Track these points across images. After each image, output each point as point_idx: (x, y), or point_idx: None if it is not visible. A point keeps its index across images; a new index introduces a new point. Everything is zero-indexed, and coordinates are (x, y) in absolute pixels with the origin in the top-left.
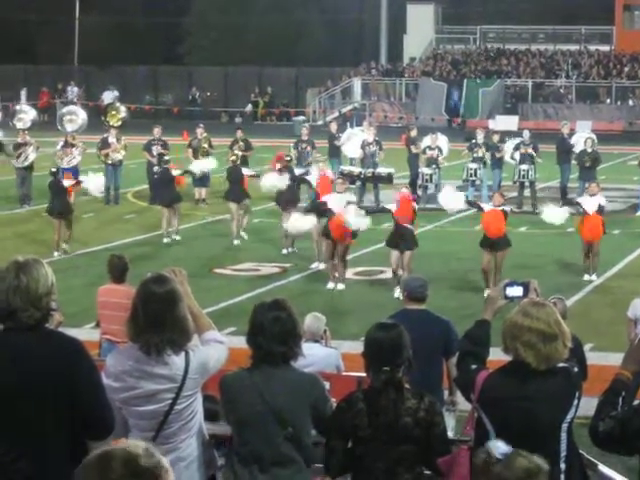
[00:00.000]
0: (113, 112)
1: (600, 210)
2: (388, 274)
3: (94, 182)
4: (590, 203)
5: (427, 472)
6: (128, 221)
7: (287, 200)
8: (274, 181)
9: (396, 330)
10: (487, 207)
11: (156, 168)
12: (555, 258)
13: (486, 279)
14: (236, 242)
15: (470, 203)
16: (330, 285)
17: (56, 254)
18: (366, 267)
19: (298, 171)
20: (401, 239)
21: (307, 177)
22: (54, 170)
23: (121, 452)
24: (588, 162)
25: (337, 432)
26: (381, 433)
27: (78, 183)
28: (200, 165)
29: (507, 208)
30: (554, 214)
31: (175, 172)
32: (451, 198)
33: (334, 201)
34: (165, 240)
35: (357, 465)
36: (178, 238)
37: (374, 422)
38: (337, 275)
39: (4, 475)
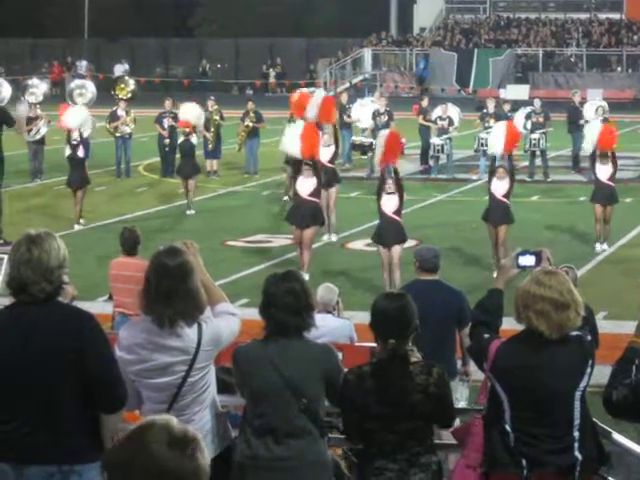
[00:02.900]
0: (122, 85)
1: (612, 178)
2: None
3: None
4: (601, 172)
5: (437, 442)
6: (140, 194)
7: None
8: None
9: (402, 300)
10: (492, 180)
11: (167, 141)
12: (567, 227)
13: (495, 253)
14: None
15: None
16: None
17: (76, 227)
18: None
19: None
20: (388, 233)
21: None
22: (75, 143)
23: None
24: None
25: (348, 407)
26: (391, 410)
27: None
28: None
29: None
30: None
31: (195, 140)
32: None
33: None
34: (188, 212)
35: (368, 438)
36: (192, 212)
37: (384, 400)
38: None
39: (17, 448)
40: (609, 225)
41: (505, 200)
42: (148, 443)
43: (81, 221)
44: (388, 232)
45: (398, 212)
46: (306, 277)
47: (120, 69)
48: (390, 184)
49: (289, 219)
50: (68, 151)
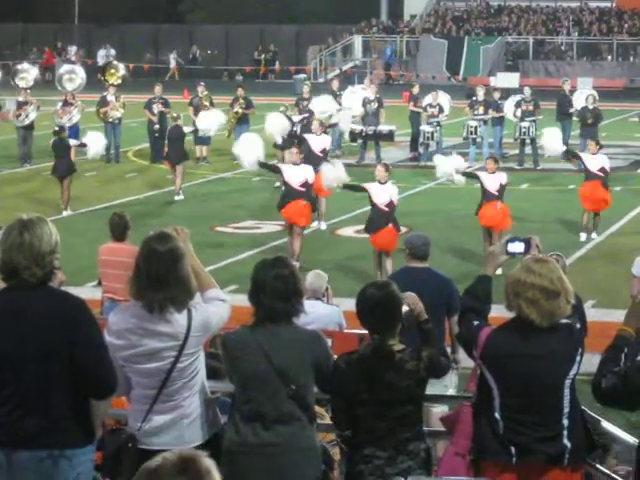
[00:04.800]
0: (112, 70)
1: (602, 170)
2: None
3: (96, 144)
4: (592, 162)
5: (426, 429)
6: (129, 179)
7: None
8: (280, 124)
9: (388, 288)
10: (483, 175)
11: (157, 127)
12: (556, 215)
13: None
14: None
15: (466, 174)
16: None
17: (65, 213)
18: None
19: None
20: (379, 224)
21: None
22: (57, 129)
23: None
24: (590, 119)
25: (338, 394)
26: (382, 396)
27: (82, 145)
28: (207, 121)
29: (504, 179)
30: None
31: (186, 129)
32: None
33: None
34: (177, 197)
35: (357, 424)
36: (181, 198)
37: (374, 386)
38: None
39: (9, 433)
40: (599, 216)
41: (498, 194)
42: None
43: (62, 207)
44: (379, 223)
45: (390, 204)
46: (296, 264)
47: (103, 54)
48: (382, 172)
49: (281, 209)
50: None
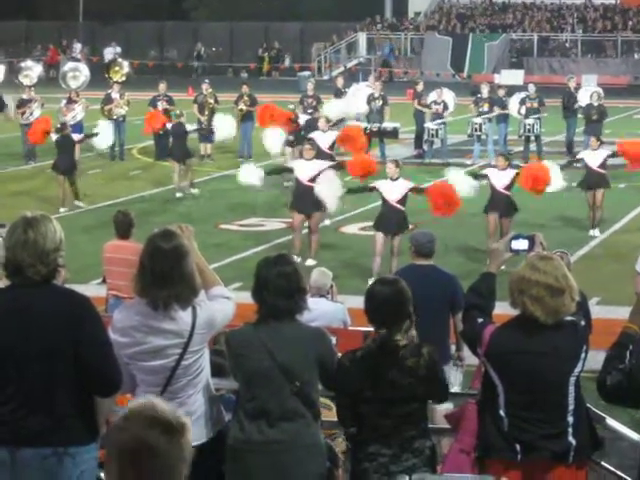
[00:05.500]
0: (116, 68)
1: (603, 165)
2: None
3: (106, 135)
4: (593, 158)
5: (431, 426)
6: (134, 177)
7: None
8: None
9: (397, 285)
10: (492, 173)
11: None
12: (560, 213)
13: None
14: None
15: (477, 177)
16: (296, 258)
17: (62, 210)
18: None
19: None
20: (390, 221)
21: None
22: (59, 126)
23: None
24: (595, 115)
25: (342, 391)
26: (386, 394)
27: (89, 136)
28: (223, 131)
29: (512, 171)
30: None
31: (189, 127)
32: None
33: (300, 167)
34: (178, 195)
35: (362, 421)
36: (196, 191)
37: (378, 384)
38: (311, 249)
39: (13, 431)
40: (601, 211)
41: (508, 192)
42: (141, 429)
43: (76, 202)
44: (390, 220)
45: (402, 201)
46: (312, 263)
47: (111, 52)
48: (392, 168)
49: (292, 206)
50: (55, 136)
